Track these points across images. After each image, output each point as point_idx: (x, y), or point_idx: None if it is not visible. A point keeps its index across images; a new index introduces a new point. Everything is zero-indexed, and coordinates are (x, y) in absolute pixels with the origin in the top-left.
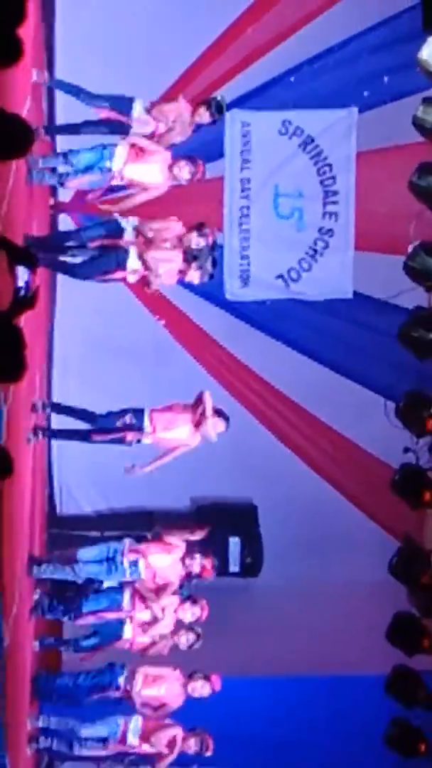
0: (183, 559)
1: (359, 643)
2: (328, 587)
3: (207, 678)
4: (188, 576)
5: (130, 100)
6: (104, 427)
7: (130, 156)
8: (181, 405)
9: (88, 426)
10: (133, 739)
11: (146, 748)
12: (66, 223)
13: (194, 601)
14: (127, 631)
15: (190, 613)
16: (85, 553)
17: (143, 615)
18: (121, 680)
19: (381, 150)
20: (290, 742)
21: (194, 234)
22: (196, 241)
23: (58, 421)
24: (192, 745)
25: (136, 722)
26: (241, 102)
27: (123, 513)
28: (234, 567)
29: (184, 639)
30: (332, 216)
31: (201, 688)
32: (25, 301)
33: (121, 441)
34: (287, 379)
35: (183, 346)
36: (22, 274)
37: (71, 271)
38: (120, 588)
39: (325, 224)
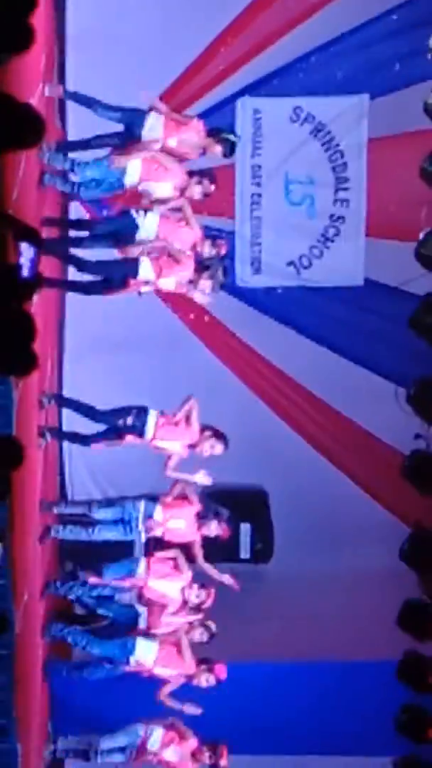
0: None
1: (370, 629)
2: (339, 573)
3: (211, 670)
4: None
5: (143, 114)
6: (103, 433)
7: (144, 171)
8: (185, 420)
9: (89, 420)
10: (153, 746)
11: (168, 755)
12: (77, 211)
13: (202, 585)
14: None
15: (195, 594)
16: (101, 513)
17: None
18: (132, 659)
19: (392, 136)
20: (301, 728)
21: (207, 243)
22: (208, 250)
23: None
24: (206, 758)
25: (156, 732)
26: (252, 89)
27: None
28: (245, 553)
29: (198, 634)
30: (343, 203)
31: (207, 679)
32: (31, 283)
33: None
34: (298, 365)
35: (194, 333)
36: (27, 250)
37: (79, 287)
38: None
39: (336, 211)
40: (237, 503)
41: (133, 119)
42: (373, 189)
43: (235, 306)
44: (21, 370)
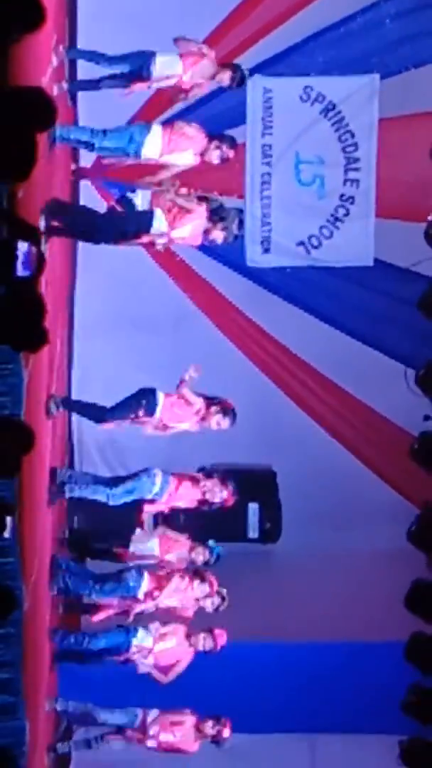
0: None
1: (378, 609)
2: (347, 554)
3: (210, 631)
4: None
5: (151, 55)
6: (115, 414)
7: (164, 144)
8: (193, 396)
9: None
10: (153, 730)
11: (166, 738)
12: (87, 189)
13: (202, 579)
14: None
15: (200, 590)
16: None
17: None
18: (134, 641)
19: (403, 117)
20: (309, 709)
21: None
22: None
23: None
24: (209, 729)
25: (154, 715)
26: (263, 68)
27: None
28: (253, 533)
29: (209, 603)
30: (353, 183)
31: (204, 641)
32: (28, 280)
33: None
34: (307, 345)
35: (204, 313)
36: (21, 246)
37: (89, 235)
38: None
39: (346, 191)
40: (246, 483)
41: (141, 62)
42: (384, 169)
43: (244, 285)
44: (32, 346)
